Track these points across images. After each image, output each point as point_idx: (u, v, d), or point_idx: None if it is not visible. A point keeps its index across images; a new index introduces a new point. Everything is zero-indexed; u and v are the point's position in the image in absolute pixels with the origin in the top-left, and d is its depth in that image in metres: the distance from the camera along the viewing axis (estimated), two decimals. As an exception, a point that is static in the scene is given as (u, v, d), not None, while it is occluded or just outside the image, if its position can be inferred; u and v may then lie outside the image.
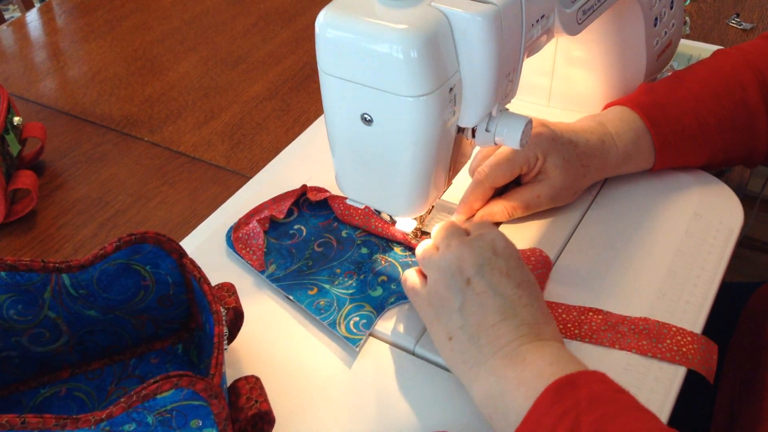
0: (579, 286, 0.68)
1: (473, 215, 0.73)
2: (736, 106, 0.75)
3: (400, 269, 0.69)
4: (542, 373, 0.52)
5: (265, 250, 0.71)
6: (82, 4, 1.27)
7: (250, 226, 0.73)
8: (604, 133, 0.74)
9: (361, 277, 0.68)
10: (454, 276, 0.58)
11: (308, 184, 0.77)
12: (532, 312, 0.57)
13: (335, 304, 0.66)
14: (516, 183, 0.74)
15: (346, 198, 0.72)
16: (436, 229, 0.64)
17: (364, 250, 0.71)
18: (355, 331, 0.64)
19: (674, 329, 0.63)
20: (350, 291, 0.67)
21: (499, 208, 0.72)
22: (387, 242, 0.72)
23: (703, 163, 0.78)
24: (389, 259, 0.70)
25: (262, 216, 0.73)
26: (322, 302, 0.66)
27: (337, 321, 0.65)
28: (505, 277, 0.57)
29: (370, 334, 0.64)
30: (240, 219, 0.74)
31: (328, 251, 0.71)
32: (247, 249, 0.71)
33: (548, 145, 0.71)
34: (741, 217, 0.74)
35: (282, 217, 0.74)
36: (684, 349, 0.61)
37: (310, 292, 0.67)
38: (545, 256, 0.67)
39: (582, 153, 0.73)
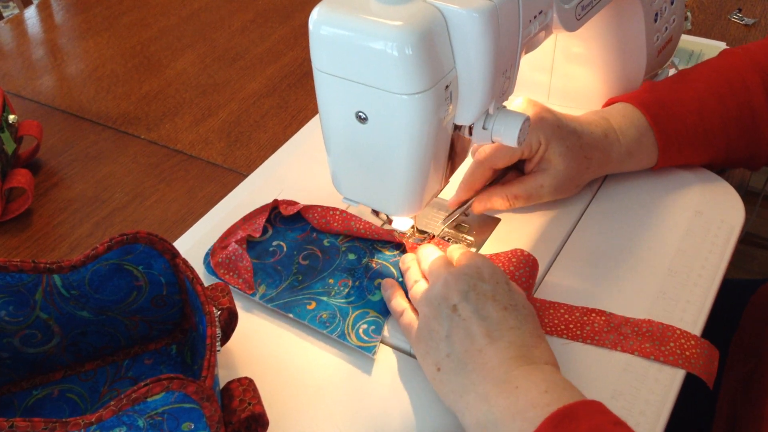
0: (578, 285, 0.67)
1: (472, 197, 0.72)
2: (741, 107, 0.74)
3: (392, 269, 0.68)
4: (537, 403, 0.50)
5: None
6: (79, 2, 1.26)
7: (230, 249, 0.69)
8: (608, 128, 0.74)
9: (356, 283, 0.66)
10: (441, 305, 0.57)
11: (279, 198, 0.74)
12: (520, 334, 0.54)
13: (338, 315, 0.64)
14: (519, 173, 0.74)
15: (318, 207, 0.70)
16: (428, 262, 0.63)
17: (351, 256, 0.69)
18: (366, 338, 0.62)
19: (678, 332, 0.62)
20: (349, 299, 0.65)
21: (500, 196, 0.72)
22: (372, 245, 0.70)
23: (706, 163, 0.78)
24: (380, 261, 0.69)
25: (238, 237, 0.70)
26: (324, 315, 0.64)
27: (346, 332, 0.63)
28: (491, 301, 0.56)
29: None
30: (214, 244, 0.71)
31: (315, 263, 0.69)
32: (232, 273, 0.68)
33: (551, 131, 0.70)
34: (742, 216, 0.73)
35: (258, 235, 0.71)
36: (687, 353, 0.60)
37: (309, 307, 0.65)
38: (527, 255, 0.64)
39: (586, 144, 0.72)
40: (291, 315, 0.64)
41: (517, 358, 0.53)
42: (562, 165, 0.71)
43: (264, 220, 0.71)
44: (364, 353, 0.62)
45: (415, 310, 0.62)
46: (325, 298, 0.65)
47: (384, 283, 0.65)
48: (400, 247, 0.70)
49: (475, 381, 0.53)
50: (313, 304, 0.65)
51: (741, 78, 0.74)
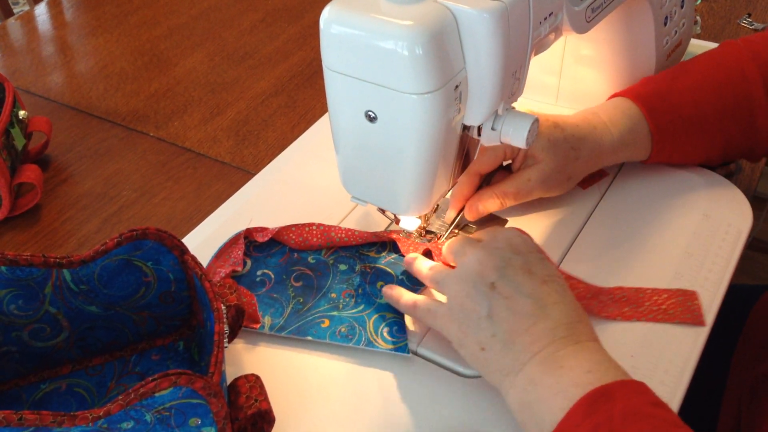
0: (584, 288, 0.67)
1: (464, 205, 0.72)
2: (738, 98, 0.74)
3: (388, 270, 0.67)
4: (579, 382, 0.50)
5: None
6: (89, -1, 1.27)
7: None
8: (596, 120, 0.73)
9: (359, 291, 0.66)
10: (476, 283, 0.56)
11: (250, 226, 0.71)
12: (565, 310, 0.54)
13: (356, 326, 0.63)
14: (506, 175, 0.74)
15: (293, 227, 0.69)
16: (445, 246, 0.63)
17: (342, 267, 0.68)
18: (394, 339, 0.62)
19: (649, 291, 0.62)
20: (360, 308, 0.65)
21: (489, 195, 0.71)
22: (357, 251, 0.69)
23: (703, 155, 0.77)
24: (372, 265, 0.68)
25: (221, 275, 0.66)
26: (342, 329, 0.63)
27: (371, 339, 0.62)
28: (528, 275, 0.55)
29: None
30: None
31: (308, 282, 0.67)
32: None
33: None
34: (750, 219, 0.73)
35: (241, 269, 0.68)
36: (664, 306, 0.61)
37: (323, 325, 0.63)
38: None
39: (570, 135, 0.71)
40: (309, 338, 0.63)
41: (564, 338, 0.53)
42: (547, 158, 0.70)
43: (242, 252, 0.68)
44: (398, 354, 0.61)
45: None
46: (336, 313, 0.64)
47: (384, 291, 0.65)
48: (386, 247, 0.70)
49: (523, 361, 0.53)
50: (327, 322, 0.64)
51: (740, 69, 0.74)
